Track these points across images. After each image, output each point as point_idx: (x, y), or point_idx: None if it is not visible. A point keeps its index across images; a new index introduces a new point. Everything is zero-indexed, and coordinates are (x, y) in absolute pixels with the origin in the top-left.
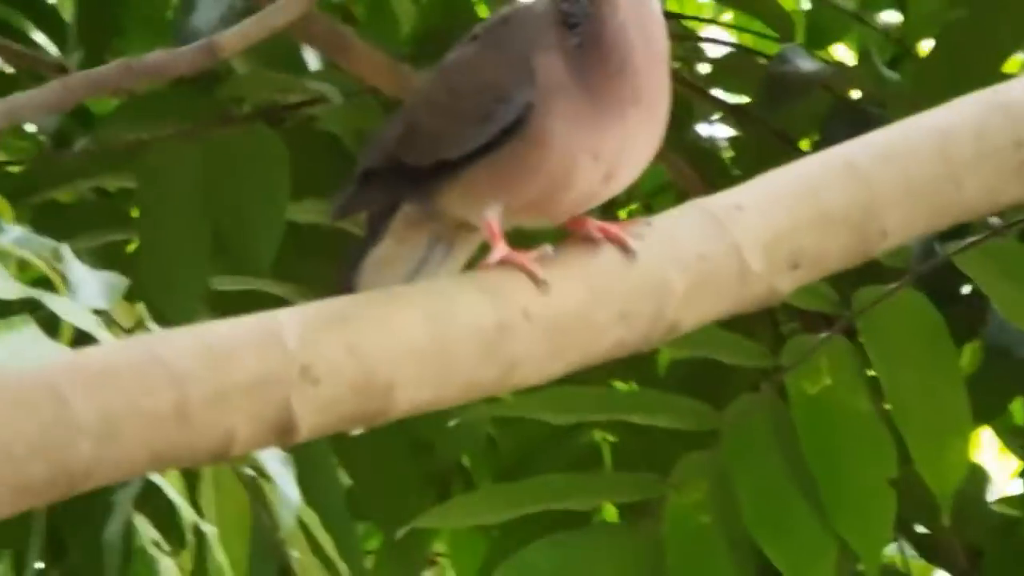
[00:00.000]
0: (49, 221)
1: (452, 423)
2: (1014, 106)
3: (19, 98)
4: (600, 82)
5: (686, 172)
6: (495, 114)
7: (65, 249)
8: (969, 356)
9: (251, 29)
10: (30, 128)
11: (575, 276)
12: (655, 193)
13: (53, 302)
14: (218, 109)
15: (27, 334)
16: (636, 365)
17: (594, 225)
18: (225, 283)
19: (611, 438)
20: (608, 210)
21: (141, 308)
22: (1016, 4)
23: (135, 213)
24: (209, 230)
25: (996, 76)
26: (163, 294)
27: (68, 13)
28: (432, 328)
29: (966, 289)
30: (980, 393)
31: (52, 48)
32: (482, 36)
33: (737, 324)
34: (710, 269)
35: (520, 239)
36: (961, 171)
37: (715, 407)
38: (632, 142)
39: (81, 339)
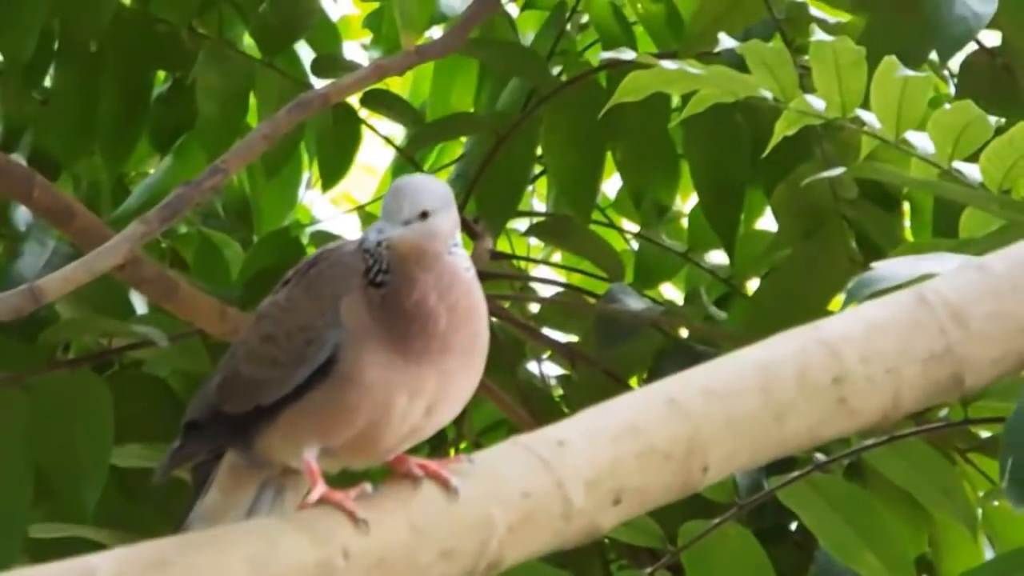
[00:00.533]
0: None
1: None
2: (833, 342)
3: None
4: (404, 337)
5: (517, 411)
6: (307, 356)
7: None
8: None
9: (75, 273)
10: None
11: (396, 514)
12: (486, 431)
13: None
14: (43, 354)
15: None
16: None
17: (415, 462)
18: (45, 530)
19: None
20: (438, 448)
21: None
22: (839, 244)
23: None
24: (31, 476)
25: (823, 314)
26: None
27: None
28: (252, 571)
29: (795, 524)
30: None
31: None
32: (293, 280)
33: (566, 559)
34: (533, 506)
35: (344, 478)
36: (782, 407)
37: None
38: (450, 382)
39: None
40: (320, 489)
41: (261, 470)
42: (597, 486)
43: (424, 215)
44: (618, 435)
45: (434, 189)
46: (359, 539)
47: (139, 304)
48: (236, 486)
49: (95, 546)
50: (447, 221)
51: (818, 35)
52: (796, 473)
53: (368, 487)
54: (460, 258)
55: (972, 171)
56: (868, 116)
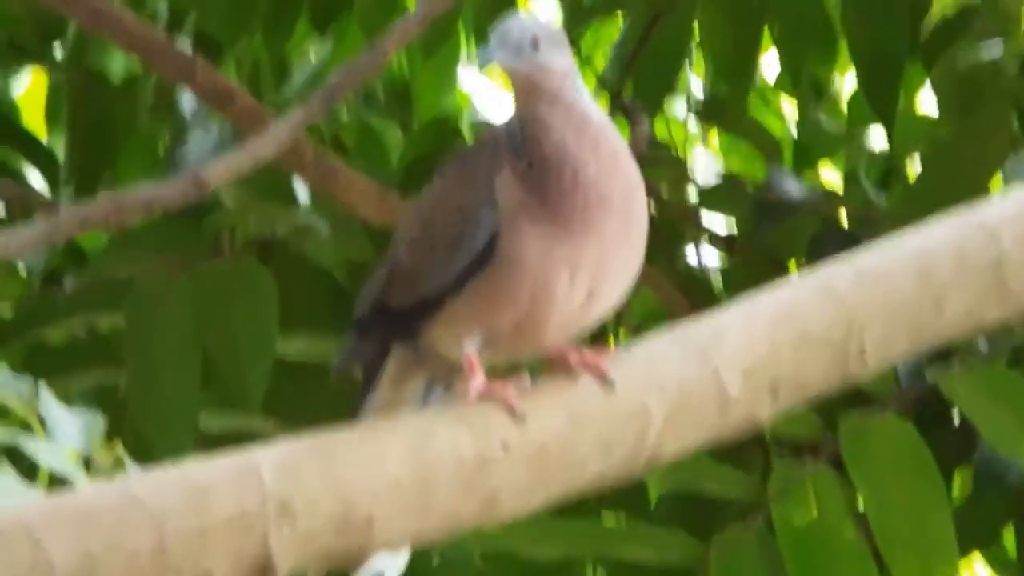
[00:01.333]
0: (40, 362)
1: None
2: (992, 225)
3: (7, 234)
4: (559, 198)
5: (676, 298)
6: (465, 241)
7: (43, 390)
8: (960, 482)
9: (237, 161)
10: (21, 268)
11: (554, 406)
12: (645, 320)
13: (30, 445)
14: (207, 242)
15: (2, 479)
16: (627, 496)
17: (573, 354)
18: (213, 419)
19: (602, 573)
20: (599, 338)
21: (119, 448)
22: (1001, 122)
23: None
24: (198, 364)
25: (983, 194)
26: (154, 431)
27: (60, 151)
28: (411, 461)
29: (957, 414)
30: (971, 520)
31: (45, 189)
32: (446, 170)
33: (729, 453)
34: (689, 396)
35: (502, 368)
36: (941, 292)
37: (705, 538)
38: (611, 251)
39: (60, 480)
40: (479, 381)
41: (427, 364)
42: (754, 376)
43: (535, 44)
44: (775, 322)
45: (545, 24)
46: (517, 431)
47: (301, 190)
48: (405, 379)
49: (261, 437)
50: (561, 57)
51: None
52: (958, 363)
53: (526, 380)
54: (588, 102)
55: None
56: None
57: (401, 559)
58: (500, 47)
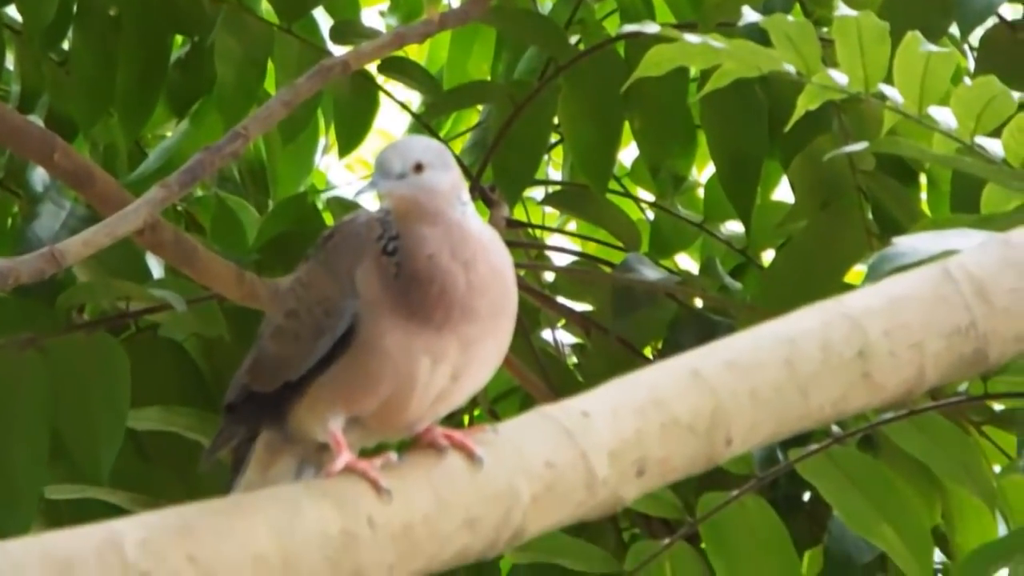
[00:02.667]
0: None
1: None
2: (858, 316)
3: None
4: (422, 310)
5: (532, 378)
6: (326, 327)
7: None
8: (810, 562)
9: (95, 237)
10: None
11: (421, 483)
12: (500, 398)
13: None
14: (60, 317)
15: None
16: (477, 570)
17: (439, 432)
18: (61, 491)
19: None
20: (452, 416)
21: None
22: (855, 216)
23: None
24: (47, 437)
25: (838, 286)
26: (0, 502)
27: None
28: (277, 536)
29: (808, 495)
30: None
31: None
32: (312, 255)
33: (580, 529)
34: (557, 476)
35: (370, 451)
36: (807, 381)
37: None
38: (474, 345)
39: None
40: (345, 457)
41: (296, 446)
42: (621, 458)
43: (419, 168)
44: (642, 407)
45: (428, 145)
46: (384, 508)
47: (155, 268)
48: (273, 463)
49: (111, 508)
50: (445, 177)
51: (842, 9)
52: (814, 446)
53: (393, 456)
54: (471, 217)
55: (994, 146)
56: (891, 91)
57: None
58: (382, 176)
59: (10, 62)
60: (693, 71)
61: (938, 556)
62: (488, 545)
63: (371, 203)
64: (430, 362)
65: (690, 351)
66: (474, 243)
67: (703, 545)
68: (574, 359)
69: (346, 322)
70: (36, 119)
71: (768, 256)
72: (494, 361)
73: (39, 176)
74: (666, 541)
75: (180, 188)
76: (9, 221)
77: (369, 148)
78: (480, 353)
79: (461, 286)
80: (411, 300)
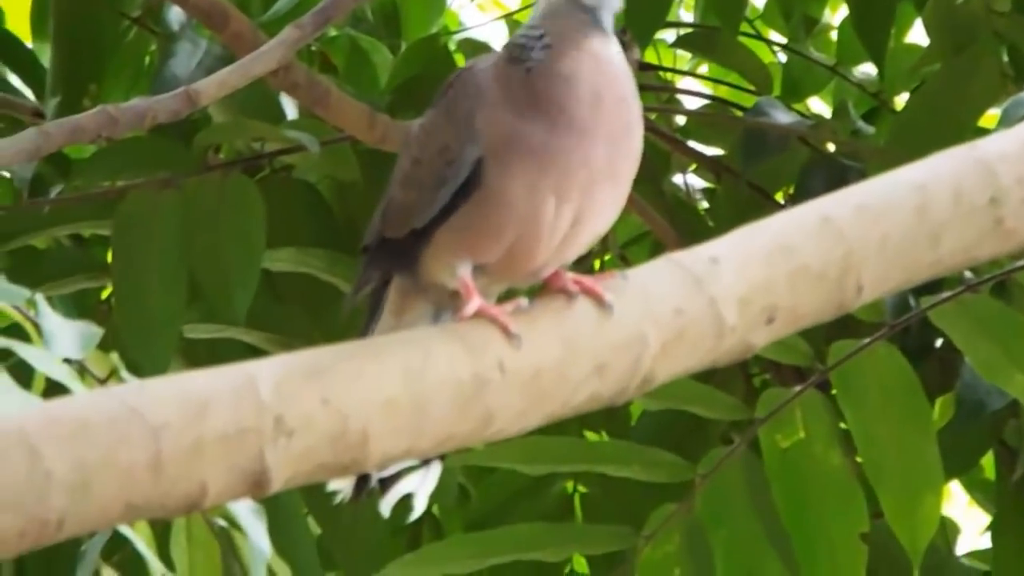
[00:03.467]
0: (24, 268)
1: None
2: (991, 162)
3: None
4: (551, 129)
5: (661, 223)
6: (447, 177)
7: (39, 298)
8: (941, 410)
9: (230, 77)
10: (4, 174)
11: (550, 329)
12: (630, 243)
13: (26, 352)
14: (195, 157)
15: (1, 383)
16: (607, 415)
17: (570, 278)
18: (198, 331)
19: (583, 489)
20: (582, 261)
21: (115, 358)
22: (991, 60)
23: (110, 259)
24: (185, 278)
25: (972, 130)
26: (138, 342)
27: (46, 58)
28: (408, 380)
29: (939, 342)
30: (951, 447)
31: (29, 93)
32: (436, 102)
33: (709, 376)
34: (685, 323)
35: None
36: (938, 227)
37: (685, 459)
38: (596, 178)
39: (54, 389)
40: (475, 302)
41: (429, 292)
42: (750, 304)
43: None
44: (772, 253)
45: None
46: (514, 353)
47: (289, 110)
48: (407, 308)
49: (247, 348)
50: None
51: None
52: (947, 293)
53: (524, 302)
54: (614, 44)
55: None
56: None
57: (431, 478)
58: None
59: None
60: None
61: None
62: (617, 391)
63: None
64: (555, 204)
65: (820, 197)
66: (616, 64)
67: (834, 392)
68: (704, 204)
69: (467, 170)
70: None
71: (901, 100)
72: (616, 207)
73: (175, 14)
74: (797, 388)
75: (313, 29)
76: (147, 60)
77: None
78: (603, 194)
79: (603, 95)
80: (539, 122)
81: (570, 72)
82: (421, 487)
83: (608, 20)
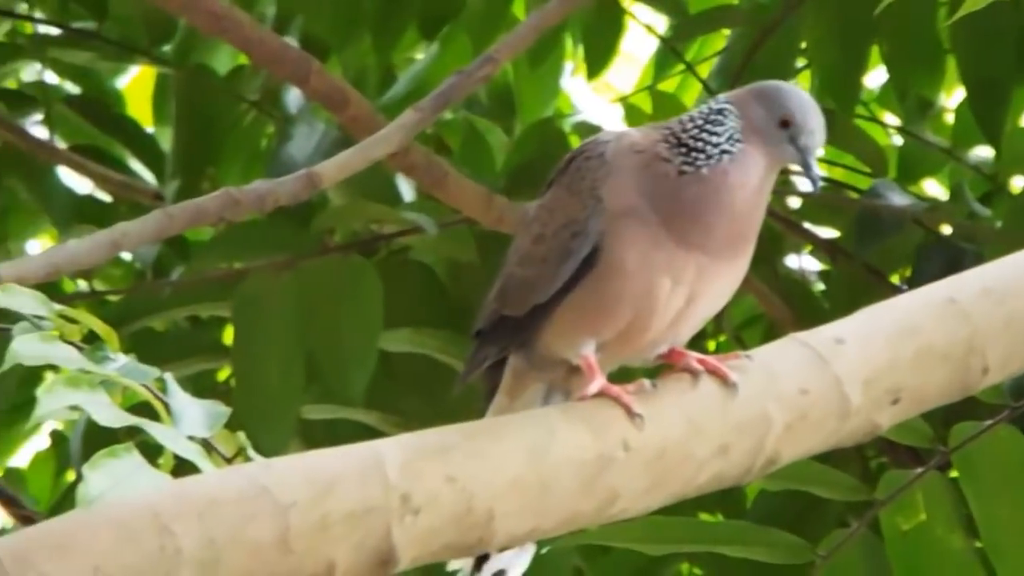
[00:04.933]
0: (143, 349)
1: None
2: None
3: (124, 228)
4: (669, 225)
5: (777, 304)
6: (572, 249)
7: (168, 377)
8: None
9: (351, 160)
10: (125, 256)
11: (674, 409)
12: (745, 325)
13: (155, 430)
14: (313, 239)
15: (130, 462)
16: (722, 496)
17: (694, 357)
18: (316, 412)
19: (699, 572)
20: (697, 342)
21: (242, 436)
22: None
23: (227, 341)
24: (303, 359)
25: None
26: (257, 422)
27: (167, 142)
28: (532, 459)
29: None
30: None
31: (149, 176)
32: (555, 180)
33: (825, 456)
34: (810, 403)
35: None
36: None
37: (802, 538)
38: (713, 264)
39: (182, 468)
40: (599, 382)
41: (544, 372)
42: (875, 385)
43: None
44: (896, 334)
45: None
46: (638, 432)
47: (406, 191)
48: (521, 389)
49: (363, 429)
50: None
51: None
52: None
53: (647, 383)
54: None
55: None
56: None
57: (525, 557)
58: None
59: None
60: None
61: None
62: (743, 472)
63: (615, 124)
64: (670, 282)
65: (943, 279)
66: (760, 190)
67: (954, 475)
68: (819, 285)
69: (592, 241)
70: (292, 41)
71: (1018, 182)
72: (730, 287)
73: (294, 98)
74: (919, 470)
75: (433, 112)
76: (264, 142)
77: (613, 71)
78: (717, 278)
79: (724, 230)
80: (670, 213)
81: (719, 200)
82: (514, 564)
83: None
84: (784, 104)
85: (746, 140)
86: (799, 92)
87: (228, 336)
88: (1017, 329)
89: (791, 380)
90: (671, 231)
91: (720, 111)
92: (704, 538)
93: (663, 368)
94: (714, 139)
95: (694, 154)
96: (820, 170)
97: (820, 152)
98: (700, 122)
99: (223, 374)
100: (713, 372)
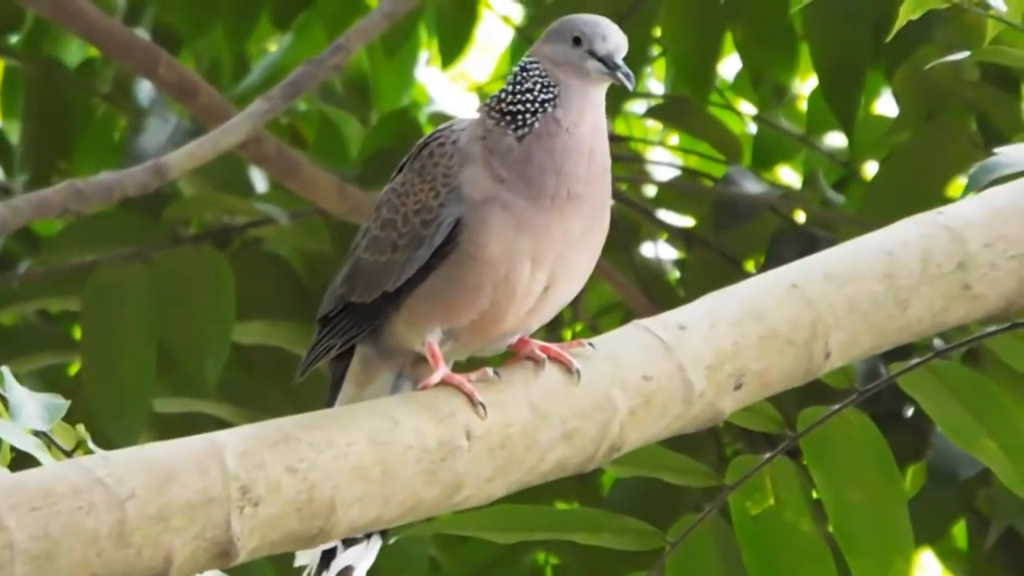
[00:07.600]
0: None
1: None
2: (958, 228)
3: None
4: (532, 192)
5: (633, 292)
6: (425, 237)
7: (5, 370)
8: (912, 477)
9: (198, 150)
10: None
11: (518, 396)
12: (601, 313)
13: None
14: (165, 230)
15: None
16: (580, 484)
17: (537, 345)
18: (169, 405)
19: (555, 559)
20: (554, 330)
21: (82, 429)
22: (960, 128)
23: (78, 335)
24: (154, 351)
25: (941, 198)
26: (108, 415)
27: (14, 135)
28: (374, 448)
29: (910, 410)
30: (923, 514)
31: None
32: (407, 165)
33: (681, 444)
34: (654, 389)
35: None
36: (906, 293)
37: (658, 527)
38: (570, 246)
39: (21, 461)
40: (442, 371)
41: (391, 361)
42: (718, 370)
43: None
44: (740, 320)
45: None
46: (481, 420)
47: (258, 182)
48: (370, 378)
49: (217, 422)
50: None
51: None
52: (916, 360)
53: (491, 371)
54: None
55: None
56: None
57: (371, 552)
58: (618, 53)
59: None
60: None
61: None
62: (586, 458)
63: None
64: (529, 266)
65: (789, 264)
66: (604, 137)
67: (804, 460)
68: (676, 273)
69: (446, 230)
70: (142, 32)
71: (871, 168)
72: (583, 271)
73: (145, 90)
74: (766, 455)
75: (283, 101)
76: (117, 135)
77: (468, 61)
78: (573, 256)
79: (583, 169)
80: (521, 181)
81: (563, 146)
82: (362, 560)
83: (615, 63)
84: (569, 27)
85: (557, 81)
86: (581, 14)
87: (78, 331)
88: (859, 313)
89: (634, 366)
90: (532, 198)
91: (523, 68)
92: (554, 526)
93: (507, 356)
94: (529, 95)
95: (520, 117)
96: (628, 69)
97: (622, 52)
98: (511, 88)
99: (73, 368)
100: (556, 359)
